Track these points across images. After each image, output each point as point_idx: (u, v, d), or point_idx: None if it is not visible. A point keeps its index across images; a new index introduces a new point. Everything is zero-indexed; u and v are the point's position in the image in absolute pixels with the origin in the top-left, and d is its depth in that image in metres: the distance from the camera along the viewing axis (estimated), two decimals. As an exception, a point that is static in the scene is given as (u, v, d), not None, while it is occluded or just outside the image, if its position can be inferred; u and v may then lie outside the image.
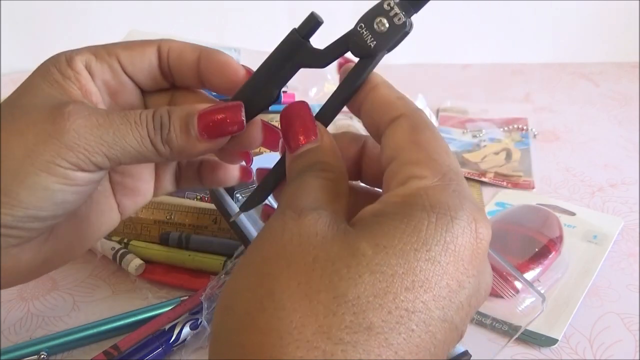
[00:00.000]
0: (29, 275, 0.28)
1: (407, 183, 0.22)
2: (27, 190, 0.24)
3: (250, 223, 0.37)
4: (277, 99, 0.28)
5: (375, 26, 0.27)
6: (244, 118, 0.27)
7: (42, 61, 0.27)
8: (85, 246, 0.30)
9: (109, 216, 0.31)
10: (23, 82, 0.27)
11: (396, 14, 0.27)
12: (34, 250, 0.27)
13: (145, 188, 0.32)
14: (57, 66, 0.26)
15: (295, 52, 0.27)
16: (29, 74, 0.27)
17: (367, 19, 0.27)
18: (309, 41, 0.27)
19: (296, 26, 0.28)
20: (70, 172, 0.25)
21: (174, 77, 0.29)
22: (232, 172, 0.33)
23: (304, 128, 0.26)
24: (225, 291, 0.22)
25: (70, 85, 0.26)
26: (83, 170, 0.25)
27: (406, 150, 0.24)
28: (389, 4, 0.27)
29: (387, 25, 0.27)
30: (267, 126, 0.30)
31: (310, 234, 0.21)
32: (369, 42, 0.27)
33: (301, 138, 0.25)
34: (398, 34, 0.27)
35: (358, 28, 0.27)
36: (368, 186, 0.29)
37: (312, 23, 0.27)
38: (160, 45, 0.28)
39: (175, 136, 0.26)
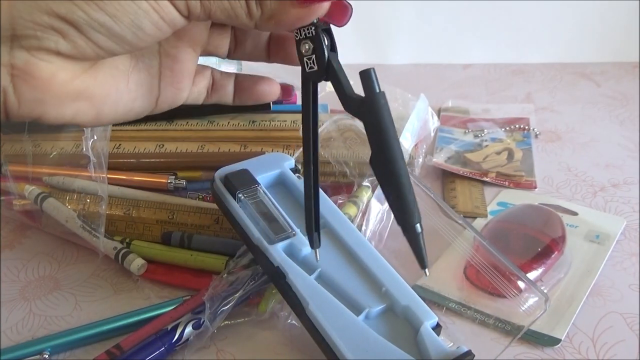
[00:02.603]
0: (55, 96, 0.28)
1: None
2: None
3: (251, 222, 0.37)
4: None
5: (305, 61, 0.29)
6: None
7: None
8: (111, 112, 0.31)
9: (148, 101, 0.33)
10: None
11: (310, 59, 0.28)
12: (71, 73, 0.27)
13: (185, 83, 0.34)
14: None
15: None
16: None
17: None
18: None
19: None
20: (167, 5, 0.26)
21: None
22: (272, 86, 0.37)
23: None
24: None
25: None
26: (178, 9, 0.26)
27: None
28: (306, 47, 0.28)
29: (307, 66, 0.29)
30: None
31: None
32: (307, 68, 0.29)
33: None
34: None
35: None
36: None
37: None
38: None
39: None
